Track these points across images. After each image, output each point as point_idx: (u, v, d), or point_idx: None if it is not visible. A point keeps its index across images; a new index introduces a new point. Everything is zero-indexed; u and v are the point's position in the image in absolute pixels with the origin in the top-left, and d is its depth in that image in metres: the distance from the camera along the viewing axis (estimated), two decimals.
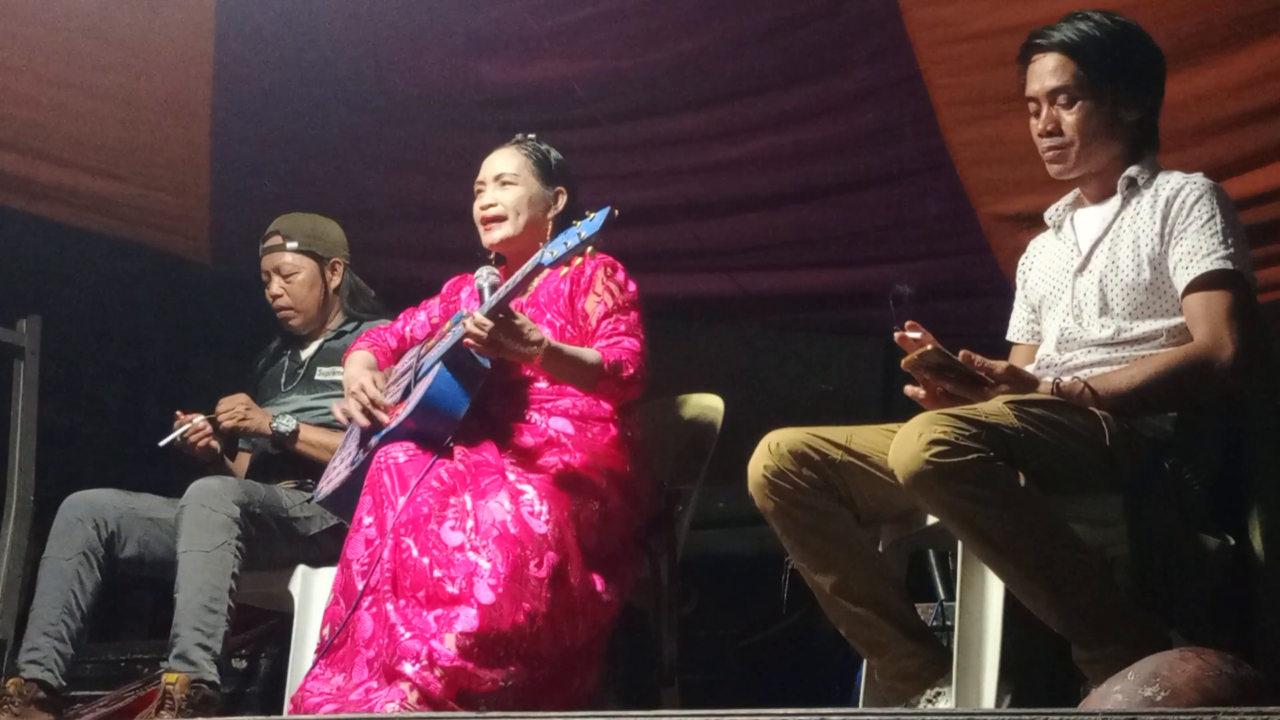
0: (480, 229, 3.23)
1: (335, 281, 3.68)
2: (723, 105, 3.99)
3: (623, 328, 3.04)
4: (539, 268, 2.80)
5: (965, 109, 3.64)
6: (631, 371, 2.99)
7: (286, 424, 3.43)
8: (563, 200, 3.23)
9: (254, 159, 4.35)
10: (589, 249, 2.76)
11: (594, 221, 2.73)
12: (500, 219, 3.19)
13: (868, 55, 3.71)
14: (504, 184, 3.21)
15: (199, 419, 3.46)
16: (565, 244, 2.75)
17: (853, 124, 3.90)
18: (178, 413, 3.50)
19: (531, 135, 3.30)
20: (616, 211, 2.72)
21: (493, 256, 3.23)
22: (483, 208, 3.21)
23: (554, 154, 3.28)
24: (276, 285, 3.65)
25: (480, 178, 3.26)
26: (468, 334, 2.83)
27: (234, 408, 3.46)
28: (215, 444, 3.47)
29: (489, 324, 2.80)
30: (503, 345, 2.83)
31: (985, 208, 3.88)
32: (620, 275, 3.12)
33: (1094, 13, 2.65)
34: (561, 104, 3.98)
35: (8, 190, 4.17)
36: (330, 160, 4.35)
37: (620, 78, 3.96)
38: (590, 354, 2.97)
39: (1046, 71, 2.63)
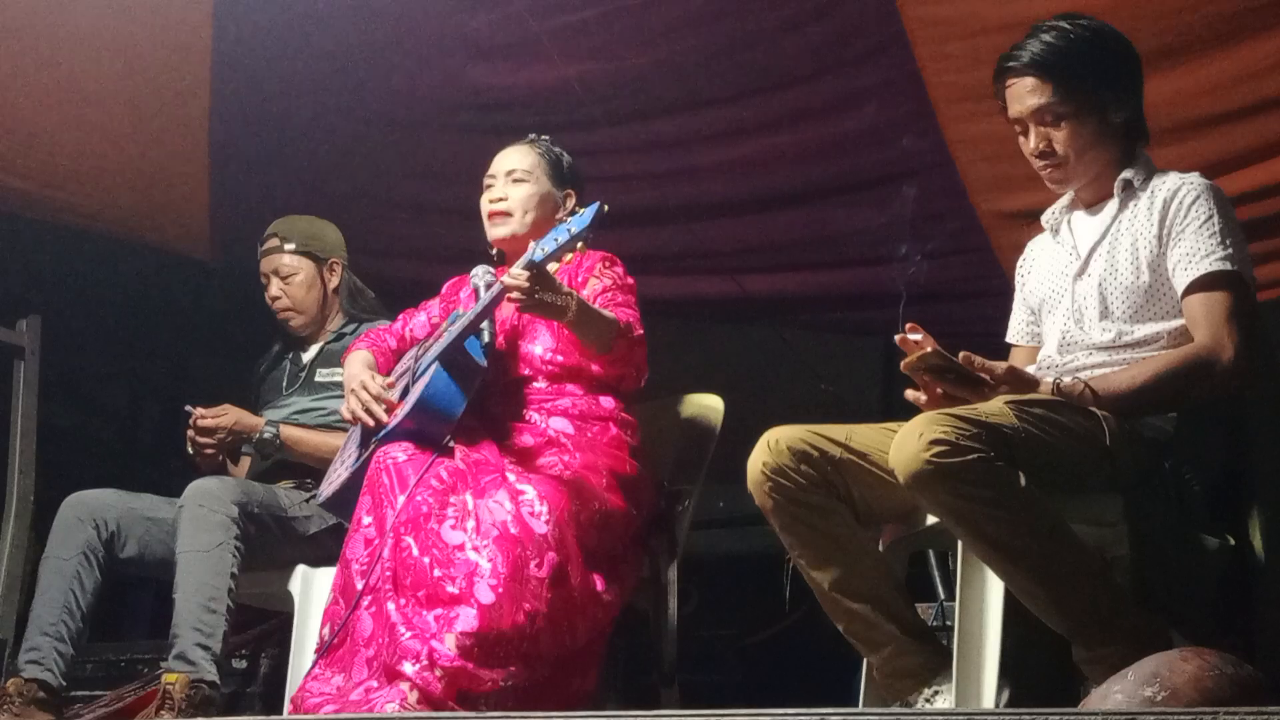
0: (486, 222, 3.23)
1: (334, 282, 3.69)
2: (722, 106, 4.00)
3: (620, 299, 3.06)
4: (530, 264, 2.80)
5: (964, 106, 3.64)
6: (640, 332, 3.02)
7: (267, 430, 3.43)
8: (571, 203, 3.24)
9: (252, 158, 4.36)
10: (580, 244, 2.76)
11: (583, 217, 2.73)
12: (507, 214, 3.19)
13: (866, 54, 3.72)
14: (516, 180, 3.22)
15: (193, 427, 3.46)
16: (556, 240, 2.76)
17: (851, 123, 3.91)
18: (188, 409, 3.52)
19: (545, 136, 3.31)
20: (606, 207, 2.72)
21: (495, 253, 3.23)
22: (491, 201, 3.22)
23: (566, 157, 3.29)
24: (275, 287, 3.66)
25: (491, 171, 3.26)
26: (507, 288, 2.81)
27: (217, 432, 3.44)
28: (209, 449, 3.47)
29: (526, 274, 2.79)
30: (540, 299, 2.82)
31: (985, 205, 3.88)
32: (619, 268, 3.15)
33: (1058, 21, 2.61)
34: (560, 106, 3.98)
35: (9, 200, 4.17)
36: (328, 160, 4.36)
37: (619, 79, 3.97)
38: (608, 312, 2.99)
39: (1025, 93, 2.60)
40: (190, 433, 3.45)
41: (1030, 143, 2.64)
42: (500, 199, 3.20)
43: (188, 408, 3.47)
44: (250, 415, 3.49)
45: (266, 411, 3.59)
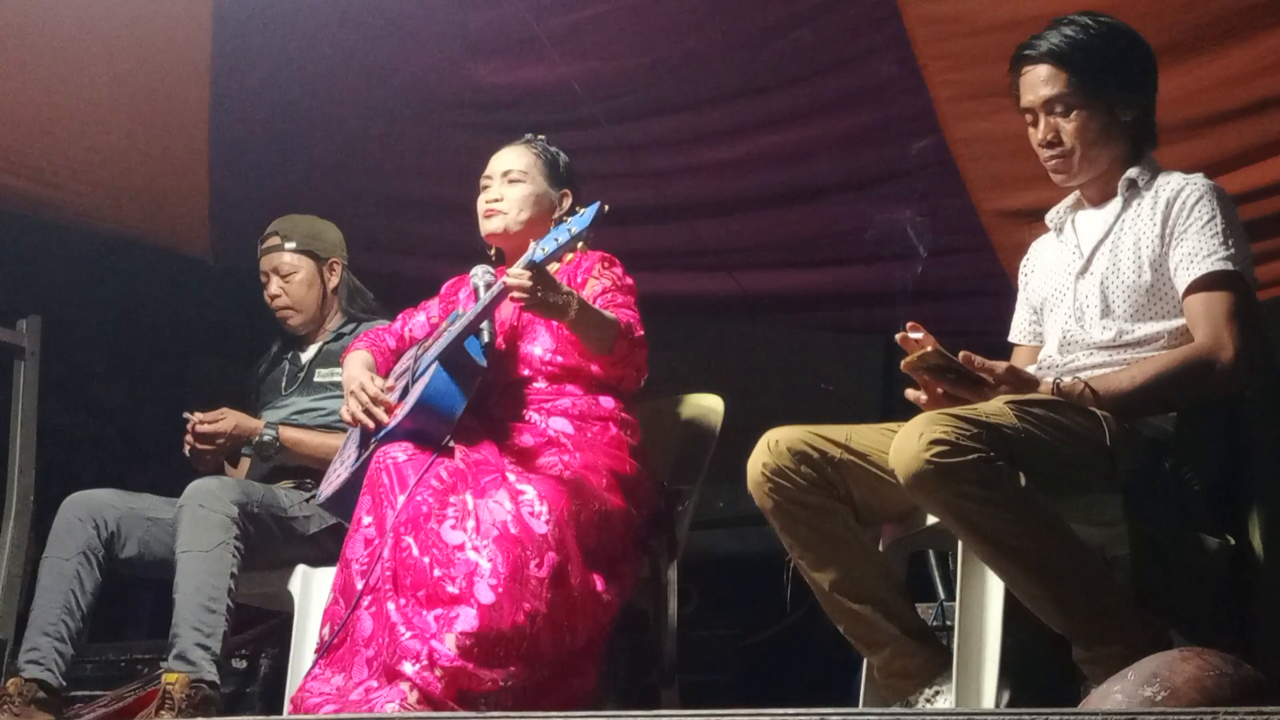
0: (481, 220, 3.24)
1: (333, 281, 3.69)
2: (722, 104, 3.99)
3: (620, 300, 3.07)
4: (531, 264, 2.80)
5: (965, 104, 3.63)
6: (640, 333, 3.02)
7: (267, 433, 3.44)
8: (567, 202, 3.25)
9: (252, 156, 4.36)
10: (580, 244, 2.77)
11: (584, 217, 2.74)
12: (503, 213, 3.20)
13: (867, 52, 3.71)
14: (511, 180, 3.22)
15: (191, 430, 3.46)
16: (556, 240, 2.76)
17: (852, 121, 3.90)
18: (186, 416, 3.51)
19: (541, 136, 3.31)
20: (607, 207, 2.73)
21: (493, 253, 3.23)
22: (487, 202, 3.23)
23: (562, 156, 3.30)
24: (275, 285, 3.66)
25: (487, 172, 3.27)
26: (508, 288, 2.82)
27: (216, 437, 3.45)
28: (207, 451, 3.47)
29: (526, 273, 2.79)
30: (542, 298, 2.81)
31: (986, 204, 3.87)
32: (618, 268, 3.16)
33: (1079, 16, 2.64)
34: (560, 104, 3.97)
35: (9, 199, 4.17)
36: (328, 158, 4.36)
37: (619, 78, 3.96)
38: (609, 313, 2.99)
39: (1039, 82, 2.62)
40: (189, 438, 3.45)
41: (1039, 133, 2.65)
42: (496, 200, 3.21)
43: (186, 415, 3.47)
44: (249, 418, 3.49)
45: (266, 412, 3.59)
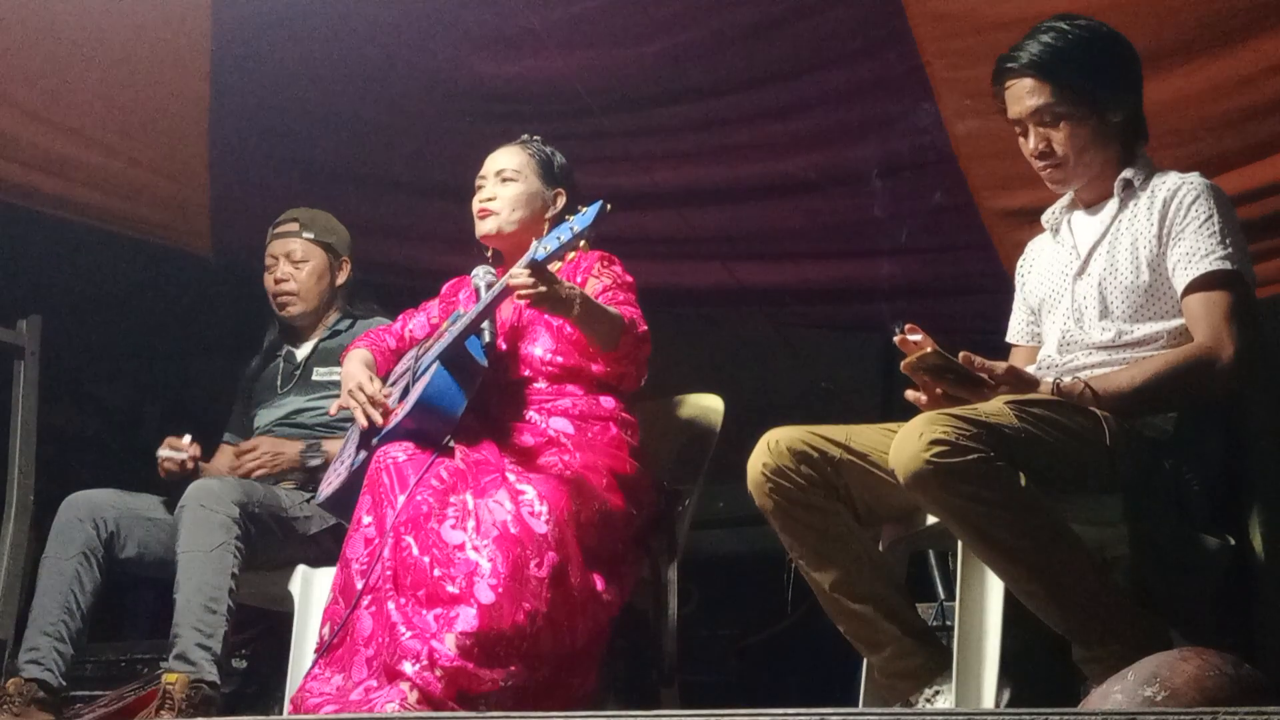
0: (476, 222, 3.24)
1: (341, 278, 3.69)
2: (723, 96, 3.99)
3: (622, 298, 3.07)
4: (533, 263, 2.80)
5: (968, 102, 3.62)
6: (644, 329, 3.03)
7: (315, 458, 3.42)
8: (561, 202, 3.24)
9: (252, 150, 4.36)
10: (582, 243, 2.77)
11: (586, 215, 2.74)
12: (495, 213, 3.21)
13: (870, 47, 3.71)
14: (504, 180, 3.24)
15: (184, 454, 3.42)
16: (558, 238, 2.76)
17: (854, 116, 3.89)
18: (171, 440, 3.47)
19: (536, 136, 3.33)
20: (609, 206, 2.72)
21: (490, 254, 3.24)
22: (480, 202, 3.24)
23: (558, 156, 3.30)
24: (283, 269, 3.64)
25: (482, 173, 3.28)
26: (511, 288, 2.82)
27: (261, 458, 3.44)
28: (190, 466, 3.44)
29: (527, 271, 2.78)
30: (546, 295, 2.81)
31: (987, 202, 3.86)
32: (618, 266, 3.16)
33: (1056, 21, 2.62)
34: (561, 96, 3.98)
35: (8, 192, 4.17)
36: (330, 153, 4.36)
37: (620, 70, 3.96)
38: (614, 309, 2.99)
39: (1024, 94, 2.61)
40: (247, 461, 3.43)
41: (1030, 143, 2.64)
42: (490, 199, 3.23)
43: (182, 444, 3.39)
44: (283, 443, 3.46)
45: (261, 411, 3.58)
